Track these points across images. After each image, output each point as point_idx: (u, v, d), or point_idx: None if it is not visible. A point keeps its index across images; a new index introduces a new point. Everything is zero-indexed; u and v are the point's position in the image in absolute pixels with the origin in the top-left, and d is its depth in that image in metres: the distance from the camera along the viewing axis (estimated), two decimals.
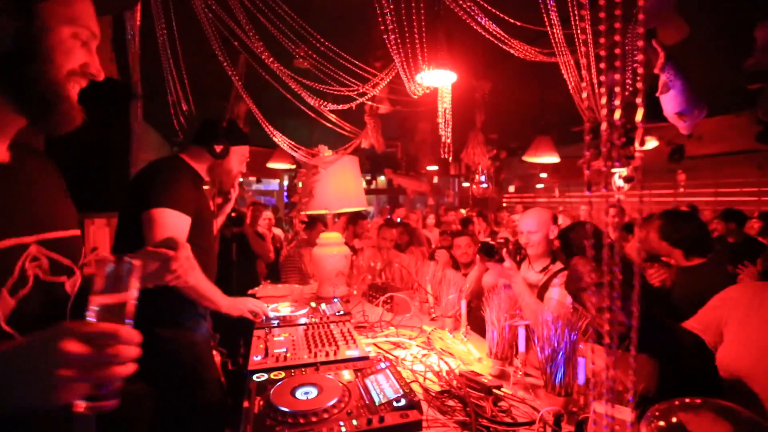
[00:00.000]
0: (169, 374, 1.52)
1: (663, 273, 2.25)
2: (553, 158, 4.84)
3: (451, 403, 1.20)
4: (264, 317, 1.73)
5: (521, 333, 1.37)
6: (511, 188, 11.39)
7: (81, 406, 0.56)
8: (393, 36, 1.70)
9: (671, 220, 2.18)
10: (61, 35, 0.63)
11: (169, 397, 1.52)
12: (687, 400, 0.67)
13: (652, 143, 4.91)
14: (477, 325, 1.79)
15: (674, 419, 0.66)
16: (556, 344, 1.21)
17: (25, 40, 0.61)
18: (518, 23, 1.56)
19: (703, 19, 2.20)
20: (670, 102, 2.11)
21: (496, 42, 1.63)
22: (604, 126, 0.54)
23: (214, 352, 1.95)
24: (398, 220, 5.48)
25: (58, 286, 0.71)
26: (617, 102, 0.54)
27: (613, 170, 0.64)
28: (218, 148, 1.68)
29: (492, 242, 1.83)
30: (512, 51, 1.65)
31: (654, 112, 2.21)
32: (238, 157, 1.79)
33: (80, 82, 0.69)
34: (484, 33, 1.61)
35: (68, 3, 0.65)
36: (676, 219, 2.19)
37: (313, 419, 0.96)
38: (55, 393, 0.51)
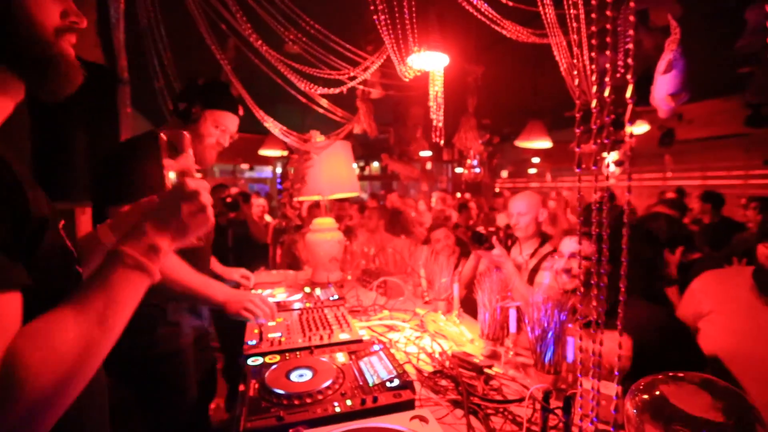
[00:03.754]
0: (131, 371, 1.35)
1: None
2: (545, 143, 4.85)
3: (443, 382, 1.23)
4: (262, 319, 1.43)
5: (512, 314, 1.39)
6: (504, 173, 11.42)
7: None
8: (383, 17, 1.67)
9: None
10: None
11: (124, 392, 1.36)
12: (670, 374, 0.70)
13: (643, 127, 4.92)
14: (469, 307, 1.82)
15: (657, 392, 0.68)
16: (545, 325, 1.24)
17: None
18: (510, 3, 1.54)
19: (695, 2, 2.18)
20: (667, 82, 2.04)
21: (488, 23, 1.60)
22: (594, 103, 0.54)
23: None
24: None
25: None
26: (607, 79, 0.54)
27: (604, 154, 0.64)
28: (182, 106, 1.39)
29: (482, 230, 1.84)
30: (504, 32, 1.63)
31: (641, 95, 2.16)
32: (214, 123, 1.45)
33: (70, 38, 0.68)
34: (476, 13, 1.59)
35: None
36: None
37: (308, 400, 0.98)
38: (185, 226, 0.70)
